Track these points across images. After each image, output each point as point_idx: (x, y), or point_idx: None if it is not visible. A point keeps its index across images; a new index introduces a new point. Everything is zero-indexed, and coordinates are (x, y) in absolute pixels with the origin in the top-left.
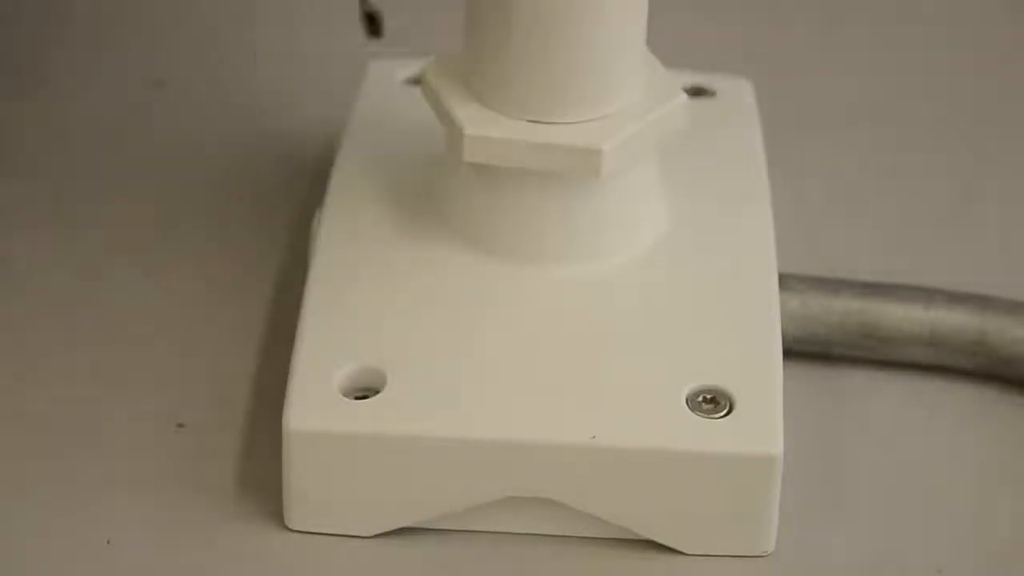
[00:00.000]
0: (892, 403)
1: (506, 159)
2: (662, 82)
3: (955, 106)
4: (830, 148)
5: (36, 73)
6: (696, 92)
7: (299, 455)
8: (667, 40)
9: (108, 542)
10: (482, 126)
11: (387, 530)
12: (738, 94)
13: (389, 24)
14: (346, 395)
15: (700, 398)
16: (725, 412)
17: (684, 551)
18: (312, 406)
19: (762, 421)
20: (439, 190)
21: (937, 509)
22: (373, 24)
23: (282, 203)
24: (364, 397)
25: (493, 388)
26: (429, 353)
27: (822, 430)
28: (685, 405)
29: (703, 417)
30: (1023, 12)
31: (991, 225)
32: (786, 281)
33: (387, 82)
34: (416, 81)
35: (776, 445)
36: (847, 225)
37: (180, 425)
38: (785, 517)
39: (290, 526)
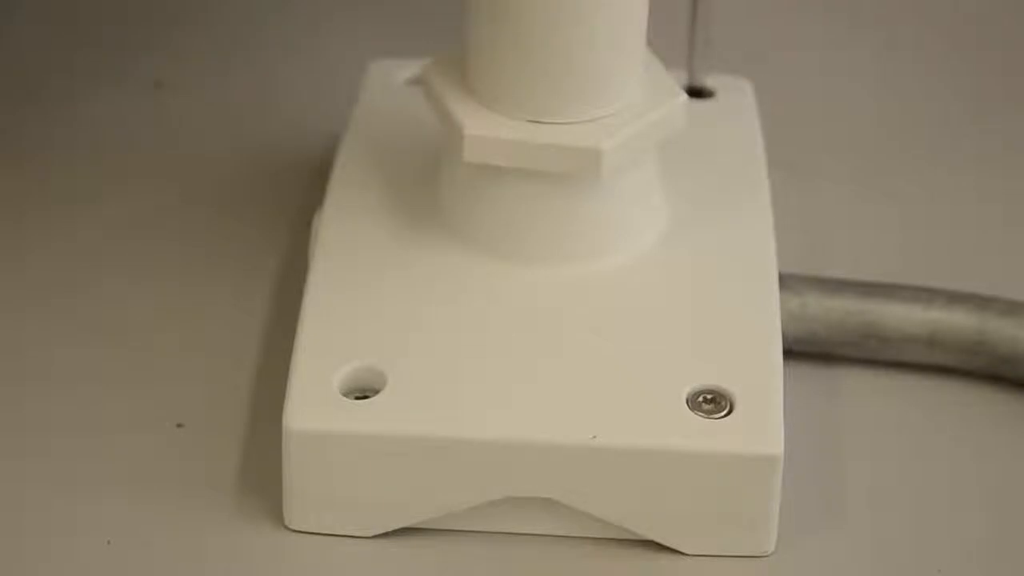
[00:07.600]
0: (892, 403)
1: (506, 159)
2: (662, 82)
3: (955, 106)
4: (830, 148)
5: (36, 74)
6: (696, 92)
7: (299, 455)
8: (667, 40)
9: (108, 542)
10: (482, 126)
11: (387, 530)
12: (738, 94)
13: (390, 24)
14: (346, 395)
15: (700, 398)
16: (725, 412)
17: (684, 551)
18: (312, 406)
19: (762, 421)
20: (439, 190)
21: (937, 509)
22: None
23: (282, 203)
24: (364, 397)
25: (493, 388)
26: (429, 353)
27: (822, 430)
28: (685, 405)
29: (703, 417)
30: None
31: (991, 225)
32: (786, 281)
33: (387, 82)
34: (416, 81)
35: (776, 445)
36: (847, 225)
37: (180, 425)
38: (785, 517)
39: (290, 526)
